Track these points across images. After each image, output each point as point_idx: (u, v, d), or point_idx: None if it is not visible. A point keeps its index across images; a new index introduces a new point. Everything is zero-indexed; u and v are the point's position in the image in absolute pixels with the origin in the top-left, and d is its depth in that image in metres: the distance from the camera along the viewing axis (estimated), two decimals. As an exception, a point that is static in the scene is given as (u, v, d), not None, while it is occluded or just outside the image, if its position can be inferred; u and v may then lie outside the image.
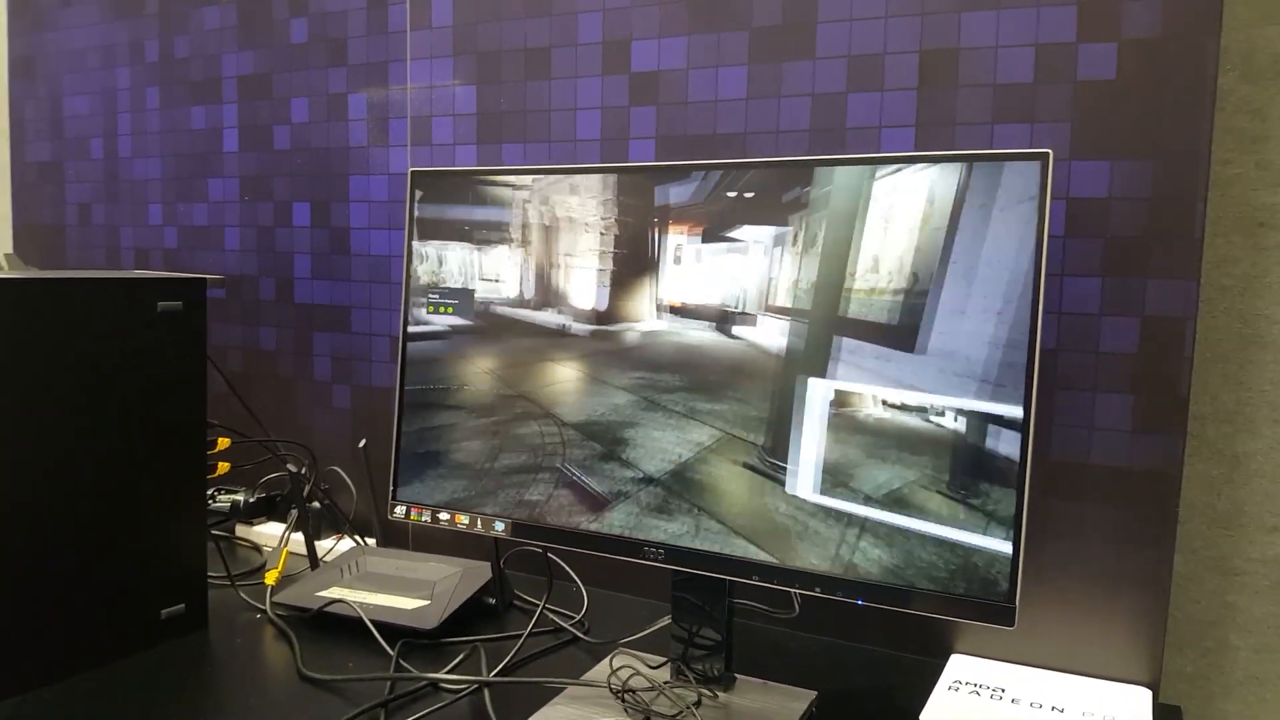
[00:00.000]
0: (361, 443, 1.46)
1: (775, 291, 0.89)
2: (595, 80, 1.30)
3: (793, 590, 0.88)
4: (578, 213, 0.99)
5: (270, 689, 1.01)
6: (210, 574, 1.32)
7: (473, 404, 1.04)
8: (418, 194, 1.06)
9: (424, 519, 1.06)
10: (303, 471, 1.41)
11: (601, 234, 0.97)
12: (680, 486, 0.93)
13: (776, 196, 0.89)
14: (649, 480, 0.94)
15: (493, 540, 1.11)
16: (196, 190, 1.71)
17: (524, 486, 1.01)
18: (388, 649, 1.10)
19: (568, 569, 1.33)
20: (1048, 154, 0.79)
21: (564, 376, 0.99)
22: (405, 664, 1.07)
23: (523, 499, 1.01)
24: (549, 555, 1.33)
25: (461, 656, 1.09)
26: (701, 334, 0.93)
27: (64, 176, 1.90)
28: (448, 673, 1.05)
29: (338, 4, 1.52)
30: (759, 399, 0.90)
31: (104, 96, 1.82)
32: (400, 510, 1.07)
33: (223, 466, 1.26)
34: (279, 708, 0.97)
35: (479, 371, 1.03)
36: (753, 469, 0.90)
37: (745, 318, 0.91)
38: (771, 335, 0.90)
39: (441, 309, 1.05)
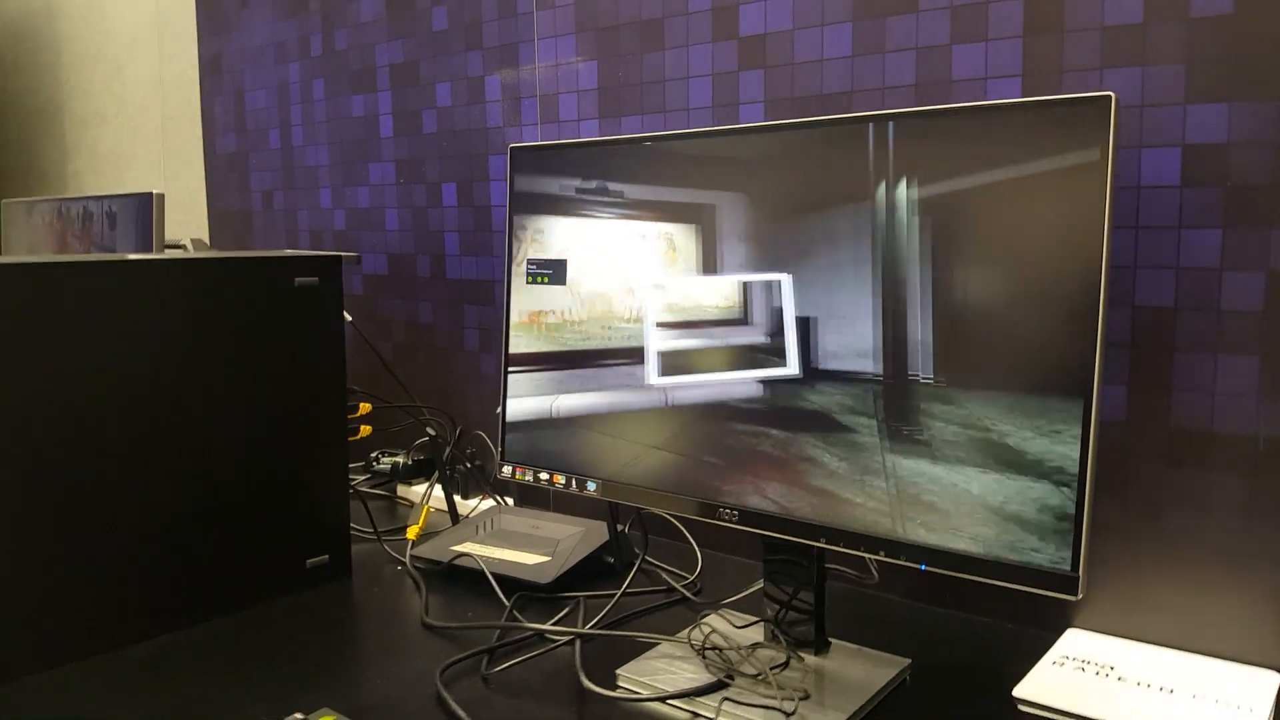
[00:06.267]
0: (499, 408, 1.54)
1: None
2: (705, 48, 1.30)
3: (863, 554, 0.87)
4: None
5: (395, 635, 1.10)
6: (361, 529, 1.44)
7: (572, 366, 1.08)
8: (516, 169, 1.11)
9: (527, 478, 1.11)
10: (450, 436, 1.51)
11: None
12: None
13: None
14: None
15: (608, 503, 1.15)
16: (359, 174, 1.84)
17: (616, 446, 1.04)
18: (504, 600, 1.16)
19: (685, 531, 1.36)
20: (1110, 97, 0.74)
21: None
22: (517, 614, 1.13)
23: (613, 458, 1.04)
24: (674, 520, 1.36)
25: (568, 609, 1.15)
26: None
27: (248, 165, 2.09)
28: (551, 624, 1.10)
29: (472, -11, 1.59)
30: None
31: (279, 90, 1.98)
32: (507, 470, 1.13)
33: (365, 429, 1.37)
34: (399, 651, 1.06)
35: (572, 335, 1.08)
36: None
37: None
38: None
39: (539, 279, 1.10)
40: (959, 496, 0.83)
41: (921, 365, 0.84)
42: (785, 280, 0.92)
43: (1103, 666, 0.97)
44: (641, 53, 1.37)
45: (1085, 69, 1.00)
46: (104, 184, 2.74)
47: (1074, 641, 1.03)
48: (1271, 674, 0.94)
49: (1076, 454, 0.77)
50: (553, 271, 1.08)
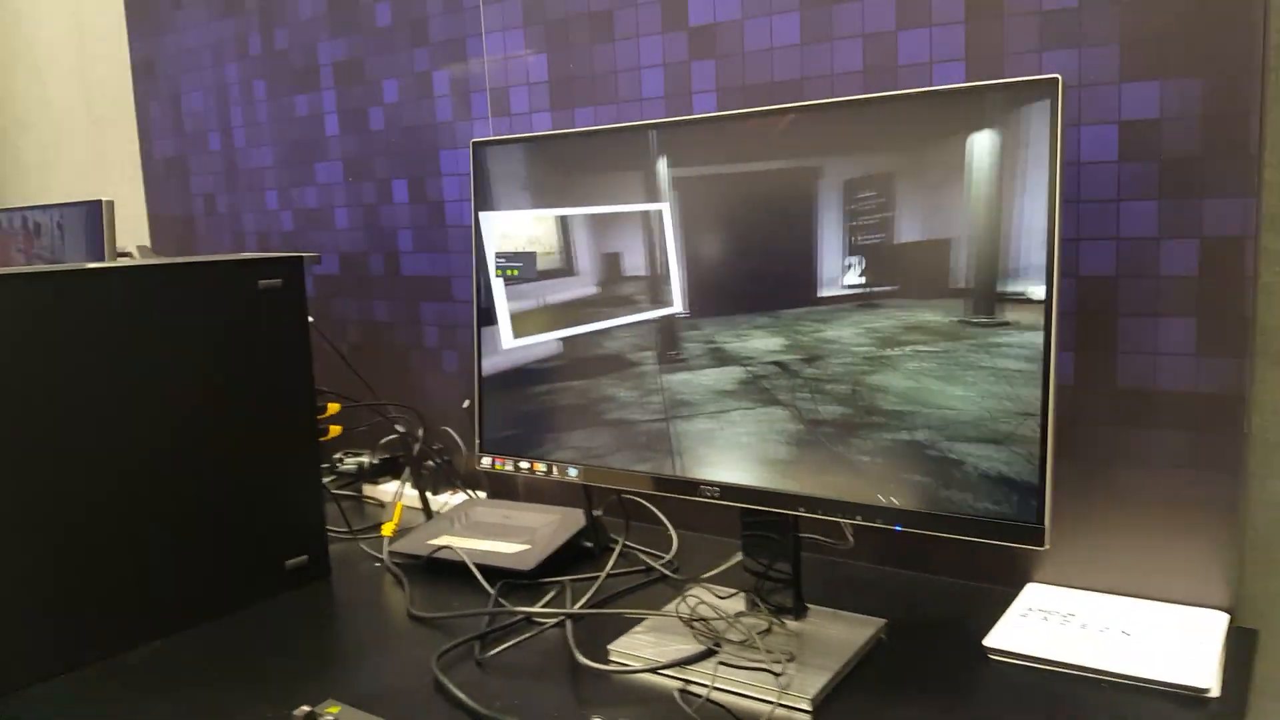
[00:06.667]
0: (465, 403, 1.56)
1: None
2: (656, 38, 1.33)
3: (838, 518, 0.92)
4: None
5: (383, 627, 1.12)
6: (336, 529, 1.45)
7: (545, 358, 1.11)
8: (479, 163, 1.13)
9: (507, 468, 1.14)
10: (419, 433, 1.52)
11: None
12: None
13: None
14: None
15: (583, 488, 1.18)
16: (306, 174, 1.83)
17: (592, 433, 1.08)
18: (488, 588, 1.19)
19: (659, 514, 1.40)
20: (1056, 79, 0.79)
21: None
22: (503, 601, 1.16)
23: (590, 445, 1.08)
24: (640, 500, 1.40)
25: (553, 594, 1.18)
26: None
27: (189, 169, 2.06)
28: (540, 608, 1.13)
29: (416, -14, 1.60)
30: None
31: (217, 91, 1.96)
32: (486, 461, 1.16)
33: (334, 430, 1.38)
34: (390, 642, 1.08)
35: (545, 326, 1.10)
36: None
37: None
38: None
39: (509, 272, 1.12)
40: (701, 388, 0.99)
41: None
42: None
43: (1065, 615, 1.03)
44: (592, 44, 1.40)
45: (1025, 51, 1.06)
46: (29, 192, 2.68)
47: (1035, 595, 1.09)
48: (1219, 614, 1.01)
49: (758, 346, 0.94)
50: (522, 265, 1.11)
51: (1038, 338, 0.82)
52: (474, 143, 1.14)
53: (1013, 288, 0.83)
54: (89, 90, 2.42)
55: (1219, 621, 1.00)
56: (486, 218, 1.13)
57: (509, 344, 1.14)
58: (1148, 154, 1.00)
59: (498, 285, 1.13)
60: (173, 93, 2.06)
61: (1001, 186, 0.83)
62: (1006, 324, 0.83)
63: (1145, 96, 0.99)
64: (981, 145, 0.83)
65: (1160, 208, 1.00)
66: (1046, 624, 1.01)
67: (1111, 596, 1.07)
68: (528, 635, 1.07)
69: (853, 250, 0.91)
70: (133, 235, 2.31)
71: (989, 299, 0.84)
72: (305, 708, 0.91)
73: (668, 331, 1.03)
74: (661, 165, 1.01)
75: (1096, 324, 1.05)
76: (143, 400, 1.09)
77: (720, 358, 0.99)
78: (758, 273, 0.97)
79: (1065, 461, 1.08)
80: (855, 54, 1.17)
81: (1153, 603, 1.05)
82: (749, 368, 0.98)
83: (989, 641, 0.98)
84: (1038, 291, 0.82)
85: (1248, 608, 1.03)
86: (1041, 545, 0.82)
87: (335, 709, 0.92)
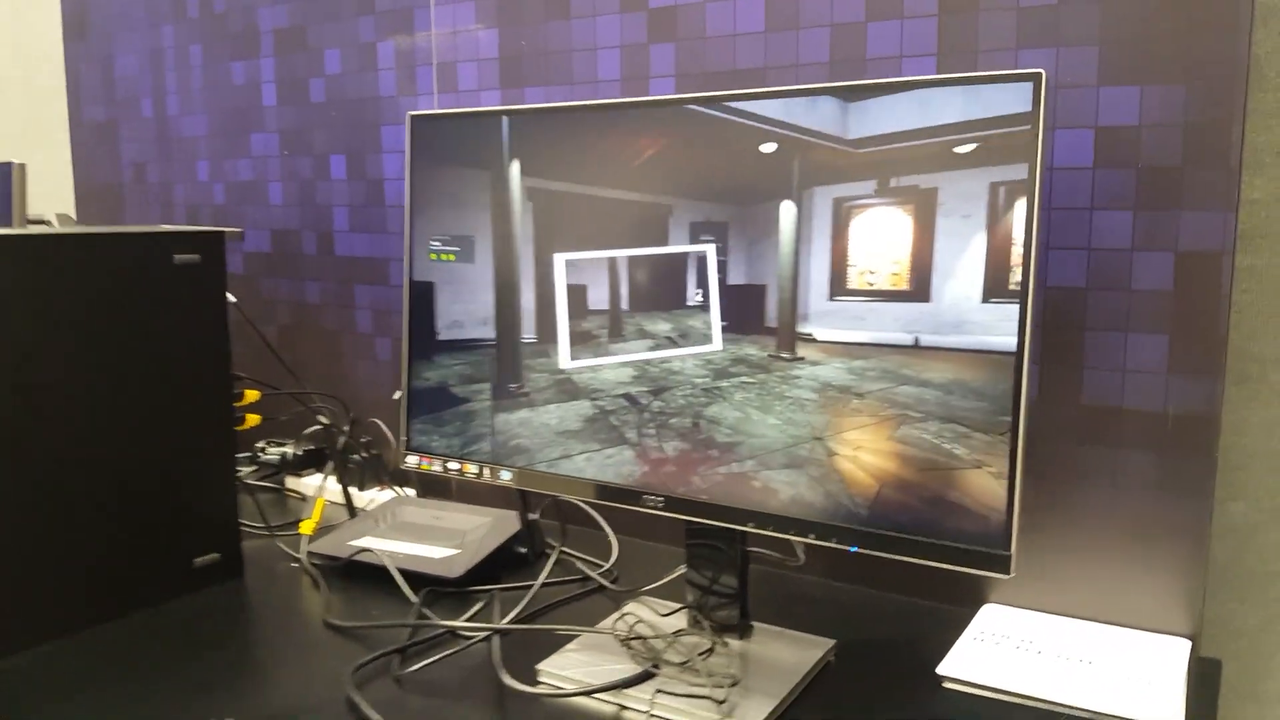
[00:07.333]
0: (396, 394, 1.48)
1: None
2: (614, 18, 1.26)
3: (790, 537, 0.86)
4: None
5: (296, 636, 1.04)
6: (252, 524, 1.36)
7: (483, 353, 1.04)
8: (418, 139, 1.05)
9: (435, 469, 1.06)
10: (345, 426, 1.43)
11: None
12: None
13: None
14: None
15: (518, 491, 1.10)
16: (240, 146, 1.73)
17: (531, 436, 1.00)
18: (411, 597, 1.11)
19: (599, 519, 1.33)
20: (1040, 74, 0.74)
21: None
22: (428, 611, 1.08)
23: (528, 447, 1.00)
24: (580, 504, 1.33)
25: (481, 604, 1.10)
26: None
27: (119, 136, 1.95)
28: (465, 620, 1.06)
29: (363, -48, 1.51)
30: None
31: (151, 55, 1.85)
32: (412, 460, 1.08)
33: (252, 419, 1.29)
34: (301, 653, 0.99)
35: (483, 318, 1.03)
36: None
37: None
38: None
39: (444, 256, 1.04)
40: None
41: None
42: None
43: (1022, 641, 0.98)
44: (546, 21, 1.32)
45: (1000, 49, 1.00)
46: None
47: (992, 617, 1.04)
48: (1182, 641, 0.97)
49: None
50: (460, 249, 1.03)
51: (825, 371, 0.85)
52: (411, 115, 1.06)
53: (803, 328, 0.87)
54: (18, 50, 2.28)
55: (1181, 650, 0.95)
56: (423, 198, 1.05)
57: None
58: (1125, 161, 0.95)
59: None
60: (105, 54, 1.94)
61: (798, 245, 0.87)
62: (802, 359, 0.87)
63: (1125, 101, 0.95)
64: (786, 212, 0.87)
65: (1135, 218, 0.95)
66: (1003, 650, 0.96)
67: (1071, 620, 1.03)
68: (452, 650, 1.00)
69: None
70: (59, 204, 2.18)
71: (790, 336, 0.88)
72: (201, 726, 0.83)
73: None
74: (515, 169, 0.97)
75: (1063, 338, 1.00)
76: (39, 380, 1.00)
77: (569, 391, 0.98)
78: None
79: (1026, 479, 1.03)
80: (823, 44, 1.11)
81: (1114, 628, 1.01)
82: (598, 402, 0.96)
83: (943, 669, 0.93)
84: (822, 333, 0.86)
85: (1209, 635, 0.99)
86: (1006, 573, 0.77)
87: (233, 728, 0.84)
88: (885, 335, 0.83)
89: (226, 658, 0.98)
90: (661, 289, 0.94)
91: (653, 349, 0.94)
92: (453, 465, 1.05)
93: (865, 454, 0.84)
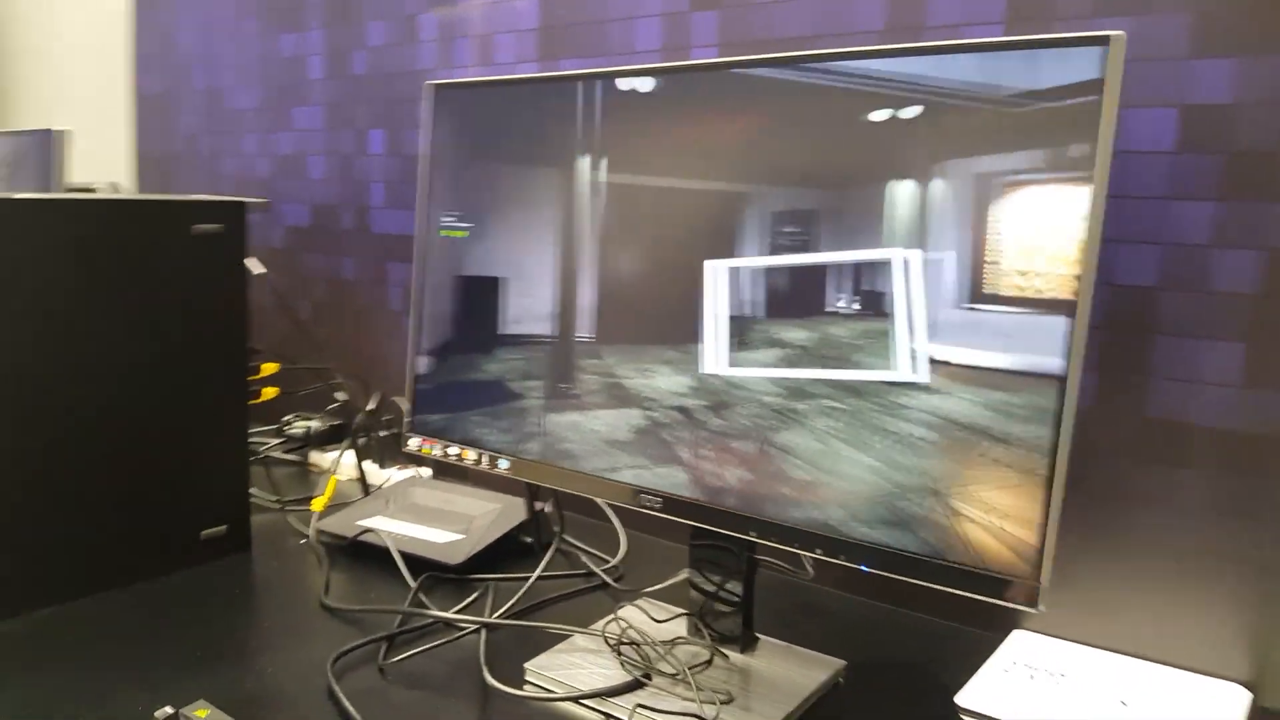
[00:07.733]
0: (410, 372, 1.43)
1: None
2: (655, -14, 1.19)
3: (796, 550, 0.78)
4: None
5: (290, 615, 0.99)
6: (266, 498, 1.33)
7: (491, 339, 0.98)
8: (437, 109, 1.00)
9: (435, 453, 1.01)
10: (369, 404, 1.39)
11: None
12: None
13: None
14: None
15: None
16: (285, 119, 1.71)
17: (531, 424, 0.94)
18: (410, 581, 1.06)
19: (610, 512, 1.26)
20: (1114, 37, 0.64)
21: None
22: (423, 598, 1.03)
23: (528, 437, 0.94)
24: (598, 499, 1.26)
25: (478, 594, 1.05)
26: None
27: (177, 107, 1.94)
28: (458, 611, 1.00)
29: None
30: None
31: (211, 27, 1.84)
32: (414, 443, 1.03)
33: (269, 391, 1.25)
34: (293, 634, 0.95)
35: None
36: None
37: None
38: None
39: (456, 233, 0.99)
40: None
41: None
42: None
43: (1053, 674, 0.88)
44: (587, -10, 1.26)
45: (1075, 17, 0.91)
46: (35, 121, 2.57)
47: (1022, 645, 0.95)
48: (1240, 689, 0.86)
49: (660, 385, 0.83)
50: (474, 225, 0.97)
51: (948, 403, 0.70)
52: (429, 85, 1.00)
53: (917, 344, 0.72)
54: (94, 21, 2.31)
55: (1239, 699, 0.85)
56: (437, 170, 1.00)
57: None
58: (1213, 146, 0.84)
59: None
60: (168, 26, 1.94)
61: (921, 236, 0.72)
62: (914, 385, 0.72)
63: (1217, 76, 0.84)
64: (902, 195, 0.72)
65: (1218, 210, 0.85)
66: (1033, 683, 0.87)
67: (1111, 655, 0.93)
68: (442, 641, 0.94)
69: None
70: (117, 173, 2.20)
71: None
72: (168, 709, 0.78)
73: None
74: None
75: (1128, 342, 0.90)
76: (54, 346, 0.97)
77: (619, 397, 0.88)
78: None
79: (1072, 494, 0.94)
80: (878, 10, 1.03)
81: (1161, 667, 0.90)
82: (650, 413, 0.86)
83: (962, 699, 0.84)
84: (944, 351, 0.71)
85: (1273, 683, 0.88)
86: (1035, 607, 0.68)
87: (204, 713, 0.79)
88: (1040, 361, 0.67)
89: (216, 635, 0.94)
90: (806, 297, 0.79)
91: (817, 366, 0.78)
92: (452, 450, 1.00)
93: (1011, 524, 0.68)
